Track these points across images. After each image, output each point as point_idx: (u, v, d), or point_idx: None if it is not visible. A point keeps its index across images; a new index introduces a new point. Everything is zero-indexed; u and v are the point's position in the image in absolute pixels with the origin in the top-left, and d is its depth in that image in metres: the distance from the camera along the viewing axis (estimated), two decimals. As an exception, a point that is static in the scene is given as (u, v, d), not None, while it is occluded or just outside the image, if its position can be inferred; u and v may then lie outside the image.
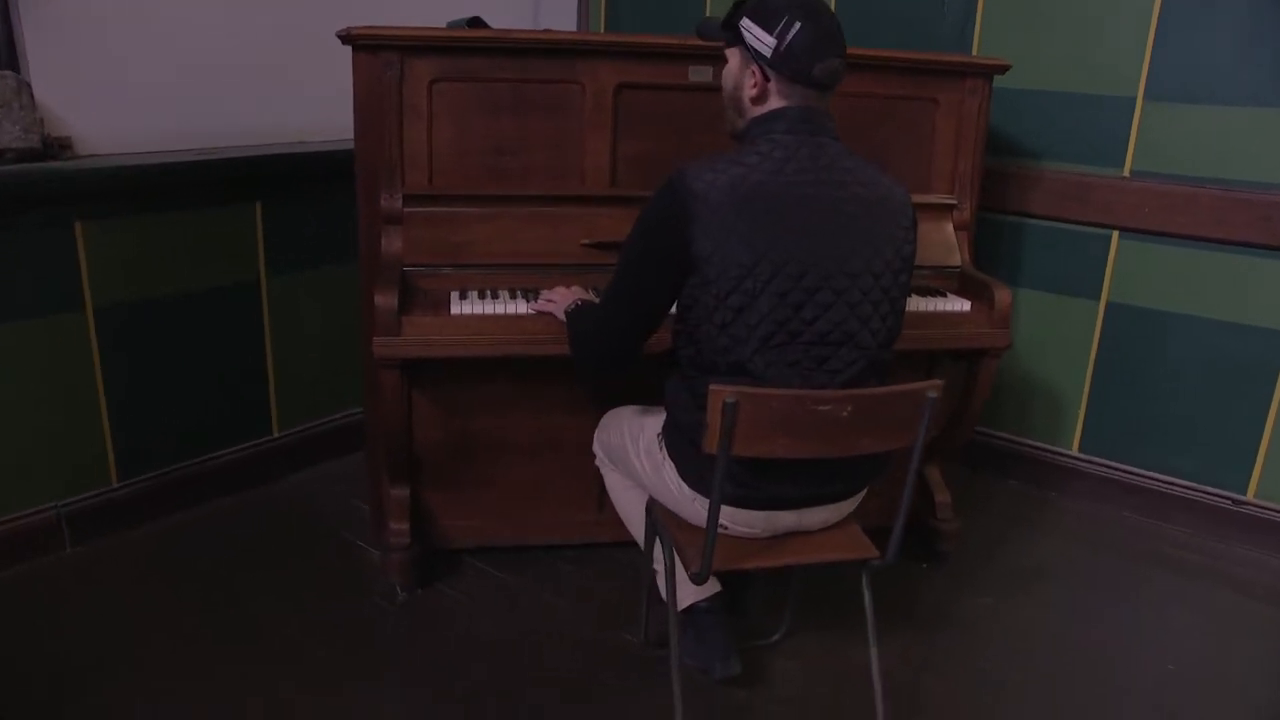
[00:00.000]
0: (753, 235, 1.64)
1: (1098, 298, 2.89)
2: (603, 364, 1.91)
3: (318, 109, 2.87)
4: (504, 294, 2.22)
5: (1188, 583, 2.65)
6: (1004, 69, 2.45)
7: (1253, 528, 2.79)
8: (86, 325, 2.46)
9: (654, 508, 1.97)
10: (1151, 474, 2.91)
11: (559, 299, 2.13)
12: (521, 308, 2.17)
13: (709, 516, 1.66)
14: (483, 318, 2.16)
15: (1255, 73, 2.60)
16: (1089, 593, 2.56)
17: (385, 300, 2.09)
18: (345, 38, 2.20)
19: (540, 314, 2.15)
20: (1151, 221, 2.76)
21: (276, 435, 2.94)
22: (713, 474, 1.71)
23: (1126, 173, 2.80)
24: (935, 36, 3.00)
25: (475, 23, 2.35)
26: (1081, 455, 3.02)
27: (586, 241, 2.32)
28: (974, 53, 2.95)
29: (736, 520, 1.77)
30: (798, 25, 1.67)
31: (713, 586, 2.10)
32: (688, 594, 2.08)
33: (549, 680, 2.13)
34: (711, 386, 1.56)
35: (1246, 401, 2.75)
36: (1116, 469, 2.96)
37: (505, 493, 2.58)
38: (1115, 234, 2.83)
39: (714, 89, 2.33)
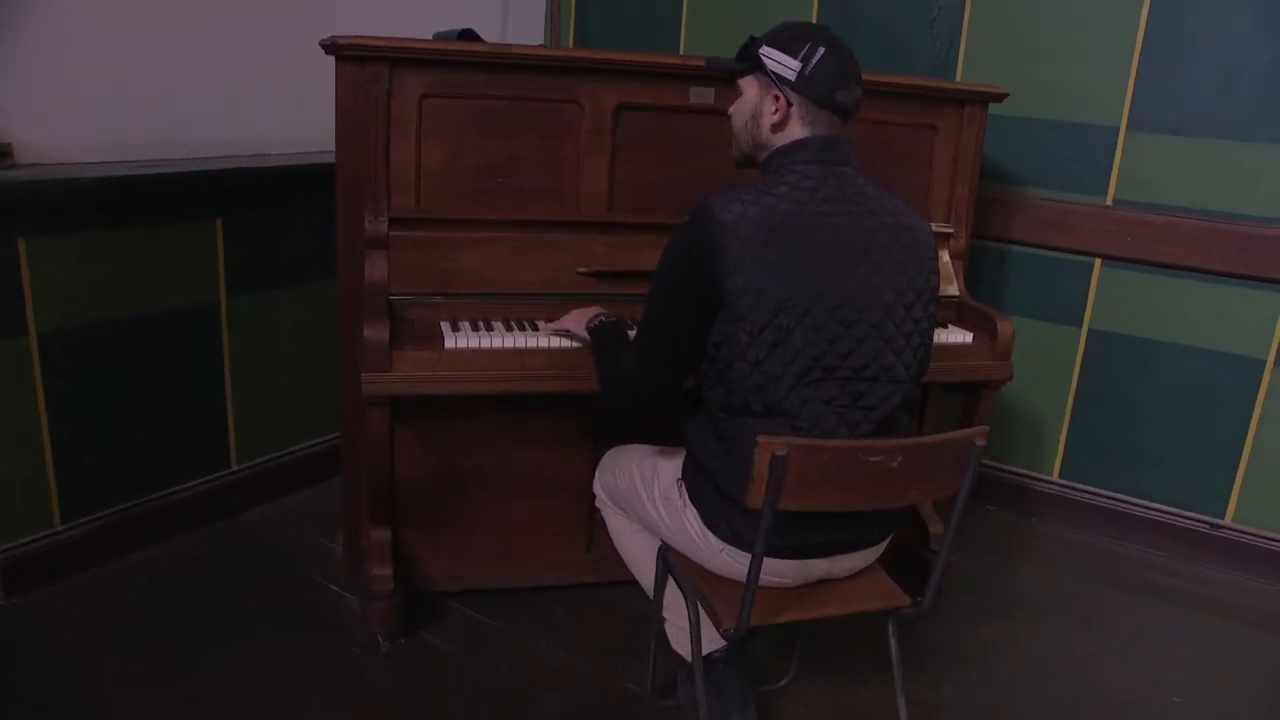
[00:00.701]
0: (786, 268, 1.55)
1: (1079, 324, 2.88)
2: (636, 407, 1.78)
3: (283, 118, 2.69)
4: (498, 325, 2.08)
5: (1174, 609, 2.63)
6: (1001, 97, 2.40)
7: (1231, 552, 2.80)
8: (29, 352, 2.22)
9: (669, 555, 1.85)
10: (1131, 499, 2.90)
11: (575, 314, 2.01)
12: (520, 340, 2.03)
13: (750, 573, 1.55)
14: (480, 352, 2.01)
15: (1235, 106, 2.61)
16: (1081, 622, 2.53)
17: (375, 333, 1.92)
18: (330, 47, 2.04)
19: (542, 348, 2.02)
20: (1133, 250, 2.75)
21: (236, 468, 2.72)
22: (743, 523, 1.63)
23: (1109, 201, 2.79)
24: (918, 62, 2.95)
25: (467, 35, 2.20)
26: (1062, 481, 3.00)
27: (583, 270, 2.19)
28: (957, 79, 2.91)
29: (769, 570, 1.65)
30: (821, 50, 1.64)
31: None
32: (705, 643, 1.97)
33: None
34: (760, 438, 1.45)
35: (1224, 427, 2.76)
36: (1097, 495, 2.95)
37: (491, 532, 2.42)
38: (1098, 261, 2.82)
39: (716, 111, 2.26)
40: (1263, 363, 2.68)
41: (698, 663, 1.76)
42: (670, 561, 1.86)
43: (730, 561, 1.70)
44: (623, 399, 1.78)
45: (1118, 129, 2.74)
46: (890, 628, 1.81)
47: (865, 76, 1.72)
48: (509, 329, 2.07)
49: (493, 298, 2.15)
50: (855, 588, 1.77)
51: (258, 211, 2.63)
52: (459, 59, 2.08)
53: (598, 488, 2.10)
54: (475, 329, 2.05)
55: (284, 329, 2.78)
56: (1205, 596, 2.71)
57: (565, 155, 2.21)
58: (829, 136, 1.67)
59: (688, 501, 1.75)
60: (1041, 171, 2.85)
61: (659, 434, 2.00)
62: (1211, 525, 2.83)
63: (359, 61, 2.04)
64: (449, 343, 1.99)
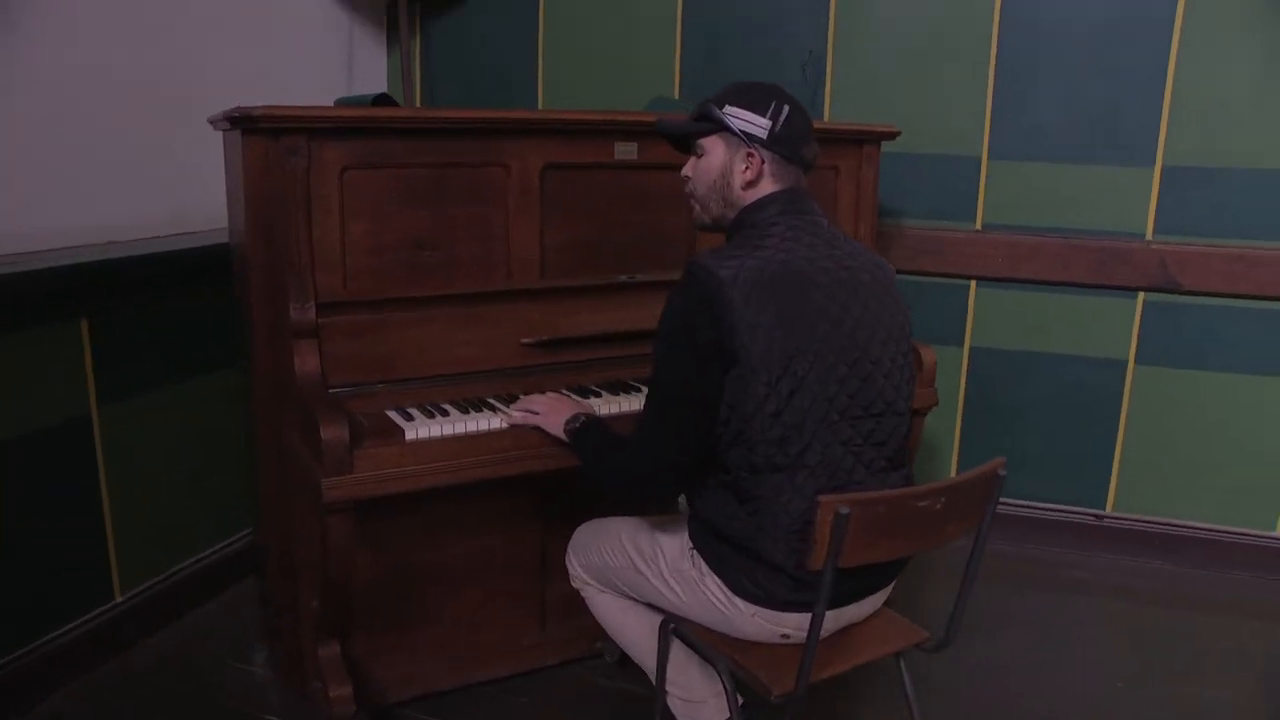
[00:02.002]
0: (791, 316, 1.53)
1: (961, 343, 3.03)
2: (658, 490, 1.65)
3: (147, 200, 2.40)
4: (451, 409, 1.92)
5: (1084, 598, 2.80)
6: (894, 135, 2.49)
7: (1115, 538, 3.02)
8: None
9: (682, 629, 1.75)
10: (1022, 502, 3.07)
11: (545, 408, 1.86)
12: (484, 423, 1.87)
13: (810, 630, 1.48)
14: (444, 440, 1.82)
15: (1079, 134, 2.84)
16: (1008, 625, 2.62)
17: (335, 433, 1.70)
18: (239, 118, 1.81)
19: (513, 426, 1.88)
20: (1003, 270, 2.93)
21: (121, 599, 2.35)
22: (775, 582, 1.57)
23: (979, 226, 2.96)
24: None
25: (383, 100, 2.02)
26: (962, 493, 3.13)
27: (527, 340, 2.07)
28: (825, 118, 3.01)
29: (805, 626, 1.60)
30: (786, 108, 1.66)
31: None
32: (714, 713, 1.87)
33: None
34: (821, 498, 1.40)
35: (1098, 425, 2.98)
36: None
37: (442, 629, 2.22)
38: (973, 283, 2.98)
39: (639, 166, 2.21)
40: (1125, 363, 2.93)
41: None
42: (685, 634, 1.76)
43: (763, 624, 1.62)
44: (636, 483, 1.65)
45: (980, 159, 2.92)
46: (904, 665, 1.80)
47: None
48: (464, 411, 1.91)
49: (437, 380, 1.98)
50: (877, 629, 1.74)
51: (127, 307, 2.31)
52: (382, 126, 1.91)
53: (575, 567, 1.97)
54: (430, 415, 1.87)
55: (165, 434, 2.45)
56: (1104, 582, 2.89)
57: (494, 221, 2.08)
58: (794, 189, 1.68)
59: (705, 570, 1.65)
60: (914, 203, 2.99)
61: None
62: (1096, 516, 3.04)
63: (273, 134, 1.82)
64: (409, 434, 1.81)
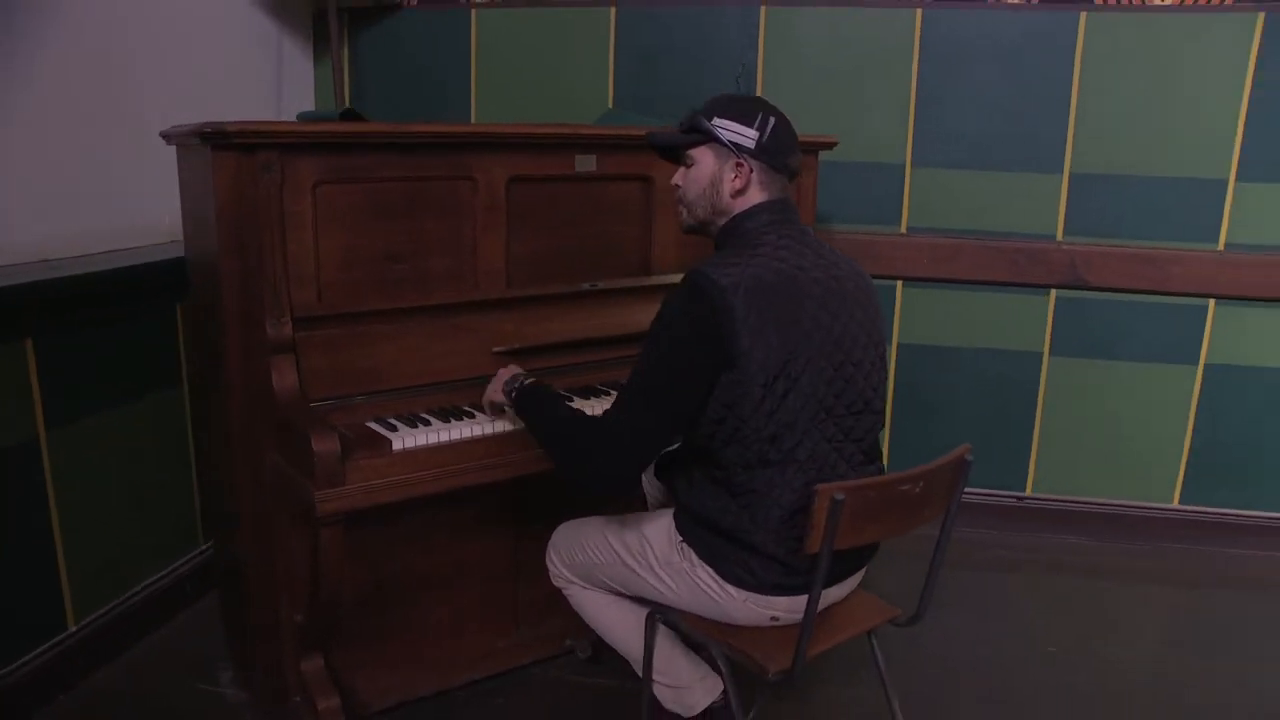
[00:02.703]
0: (786, 321, 1.62)
1: (890, 342, 3.20)
2: (615, 477, 1.67)
3: (83, 217, 2.33)
4: (432, 418, 1.94)
5: (1011, 575, 3.00)
6: (832, 145, 2.63)
7: (1035, 518, 3.24)
8: None
9: (672, 618, 1.82)
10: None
11: (492, 388, 1.92)
12: (467, 430, 1.90)
13: (807, 611, 1.58)
14: (432, 449, 1.85)
15: (992, 144, 3.04)
16: (948, 604, 2.79)
17: (327, 446, 1.71)
18: (211, 134, 1.80)
19: (490, 434, 1.91)
20: (927, 270, 3.11)
21: (75, 628, 2.28)
22: (768, 569, 1.67)
23: (903, 230, 3.13)
24: (715, 114, 3.14)
25: (349, 115, 2.03)
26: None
27: (499, 349, 2.10)
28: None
29: (794, 608, 1.69)
30: (774, 120, 1.73)
31: (718, 682, 1.99)
32: (700, 697, 1.96)
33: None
34: (817, 487, 1.50)
35: (1017, 413, 3.19)
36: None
37: (422, 636, 2.24)
38: (899, 284, 3.15)
39: (597, 178, 2.28)
40: (1040, 355, 3.15)
41: (740, 709, 1.75)
42: (675, 624, 1.83)
43: (755, 609, 1.71)
44: (595, 471, 1.66)
45: (904, 167, 3.09)
46: (874, 639, 1.91)
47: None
48: (444, 420, 1.94)
49: (414, 390, 2.00)
50: (855, 608, 1.85)
51: (75, 326, 2.25)
52: (353, 141, 1.92)
53: (557, 566, 2.01)
54: (412, 425, 1.90)
55: (114, 456, 2.39)
56: (1027, 558, 3.10)
57: (463, 233, 2.11)
58: (783, 199, 1.76)
59: (697, 561, 1.73)
60: (844, 208, 3.14)
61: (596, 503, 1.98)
62: (1018, 498, 3.26)
63: (247, 150, 1.82)
64: (396, 444, 1.83)
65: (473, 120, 3.30)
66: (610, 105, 3.23)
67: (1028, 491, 3.25)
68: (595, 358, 2.22)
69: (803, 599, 1.68)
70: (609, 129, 2.30)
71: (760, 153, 1.72)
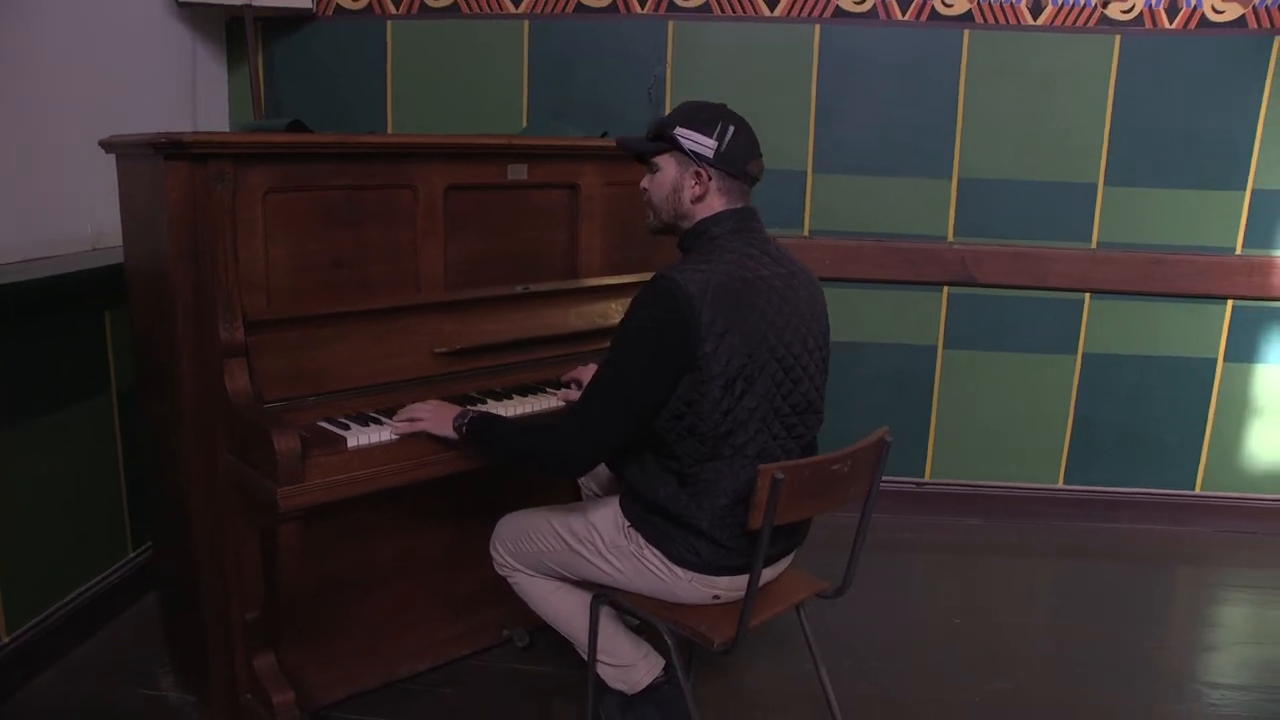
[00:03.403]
0: (745, 327, 1.77)
1: (798, 338, 3.43)
2: (586, 467, 1.87)
3: (9, 226, 2.34)
4: (384, 419, 2.04)
5: (911, 555, 3.27)
6: (744, 154, 2.84)
7: (934, 501, 3.52)
8: None
9: (620, 599, 1.98)
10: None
11: (428, 413, 2.01)
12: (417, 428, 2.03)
13: (750, 582, 1.76)
14: (385, 446, 1.96)
15: (890, 151, 3.31)
16: (856, 584, 3.02)
17: (288, 444, 1.81)
18: (165, 144, 1.88)
19: (403, 437, 2.01)
20: (829, 270, 3.34)
21: (7, 640, 2.29)
22: (711, 551, 1.84)
23: (806, 233, 3.36)
24: (629, 125, 3.30)
25: (296, 126, 2.12)
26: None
27: (442, 350, 2.23)
28: (667, 138, 3.32)
29: (734, 586, 1.87)
30: (732, 129, 1.86)
31: (659, 659, 2.16)
32: (643, 674, 2.12)
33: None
34: (760, 466, 1.68)
35: (916, 403, 3.46)
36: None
37: (367, 629, 2.34)
38: (805, 284, 3.39)
39: (528, 186, 2.42)
40: (935, 348, 3.43)
41: (685, 678, 1.92)
42: (622, 604, 1.99)
43: (699, 588, 1.88)
44: (563, 461, 1.85)
45: (805, 173, 3.33)
46: (802, 612, 2.11)
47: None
48: (393, 418, 2.05)
49: (362, 391, 2.11)
50: (787, 583, 2.04)
51: (11, 330, 2.28)
52: (302, 151, 2.03)
53: (502, 555, 2.14)
54: (364, 424, 2.00)
55: (47, 464, 2.41)
56: (927, 540, 3.38)
57: (403, 239, 2.23)
58: (744, 208, 1.90)
59: (644, 544, 1.89)
60: (752, 213, 3.36)
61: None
62: (917, 484, 3.53)
63: (199, 160, 1.90)
64: (351, 442, 1.93)
65: (389, 130, 3.40)
66: (524, 115, 3.37)
67: (926, 477, 3.53)
68: (530, 357, 2.36)
69: (742, 578, 1.86)
70: (539, 140, 2.45)
71: (719, 161, 1.84)
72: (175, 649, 2.42)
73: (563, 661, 2.47)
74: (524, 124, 3.36)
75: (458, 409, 2.01)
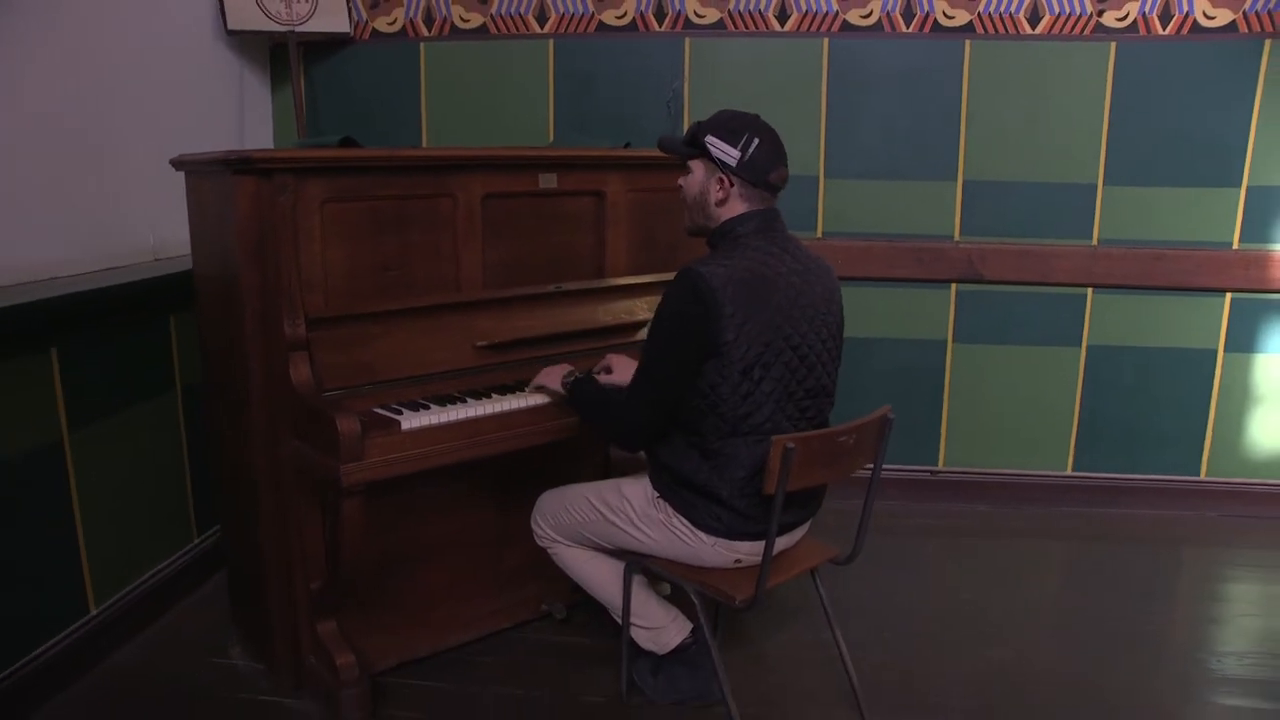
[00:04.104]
0: (763, 318, 2.00)
1: (814, 335, 3.66)
2: (634, 439, 2.14)
3: (78, 239, 2.61)
4: (433, 404, 2.29)
5: (929, 540, 3.47)
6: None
7: (947, 489, 3.73)
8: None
9: (649, 565, 2.22)
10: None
11: (544, 373, 2.35)
12: (464, 412, 2.26)
13: (766, 543, 1.99)
14: (435, 429, 2.20)
15: (895, 156, 3.54)
16: (880, 565, 3.22)
17: (350, 426, 2.05)
18: (235, 160, 2.14)
19: (486, 414, 2.27)
20: (842, 270, 3.46)
21: (95, 612, 2.55)
22: (733, 518, 2.07)
23: (819, 234, 3.59)
24: (647, 135, 3.54)
25: (348, 142, 2.38)
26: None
27: (481, 344, 2.47)
28: (685, 147, 3.56)
29: (753, 551, 2.10)
30: (756, 141, 2.07)
31: (687, 623, 2.39)
32: (673, 636, 2.35)
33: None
34: (774, 438, 1.91)
35: (928, 396, 3.68)
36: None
37: (418, 600, 2.58)
38: (820, 283, 3.62)
39: (557, 193, 2.66)
40: (945, 342, 3.65)
41: (712, 638, 2.15)
42: (652, 569, 2.23)
43: (721, 552, 2.11)
44: (622, 436, 2.15)
45: (818, 178, 3.57)
46: (817, 578, 2.34)
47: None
48: (441, 404, 2.29)
49: (410, 381, 2.35)
50: (802, 551, 2.27)
51: (95, 335, 2.55)
52: (354, 165, 2.28)
53: (543, 528, 2.39)
54: (415, 410, 2.25)
55: (130, 450, 2.69)
56: (940, 526, 3.58)
57: (444, 243, 2.47)
58: (766, 210, 2.12)
59: (672, 513, 2.13)
60: (768, 217, 3.59)
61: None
62: (930, 472, 3.75)
63: (265, 174, 2.16)
64: (405, 424, 2.17)
65: (424, 145, 3.66)
66: (550, 128, 3.63)
67: (940, 465, 3.74)
68: (562, 350, 2.59)
69: (761, 543, 2.08)
70: (568, 151, 2.70)
71: (740, 170, 2.06)
72: (242, 622, 2.67)
73: (597, 634, 2.69)
74: (550, 137, 3.62)
75: (568, 368, 2.34)
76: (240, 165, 2.15)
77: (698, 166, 2.14)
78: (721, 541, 2.10)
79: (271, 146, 3.67)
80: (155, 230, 2.95)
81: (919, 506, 3.71)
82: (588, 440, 2.63)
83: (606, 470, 2.81)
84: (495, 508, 2.69)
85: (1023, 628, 2.86)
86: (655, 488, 2.18)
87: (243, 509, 2.47)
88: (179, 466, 2.93)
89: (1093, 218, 3.54)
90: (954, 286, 3.61)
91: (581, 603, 2.75)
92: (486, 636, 2.70)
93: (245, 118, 3.56)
